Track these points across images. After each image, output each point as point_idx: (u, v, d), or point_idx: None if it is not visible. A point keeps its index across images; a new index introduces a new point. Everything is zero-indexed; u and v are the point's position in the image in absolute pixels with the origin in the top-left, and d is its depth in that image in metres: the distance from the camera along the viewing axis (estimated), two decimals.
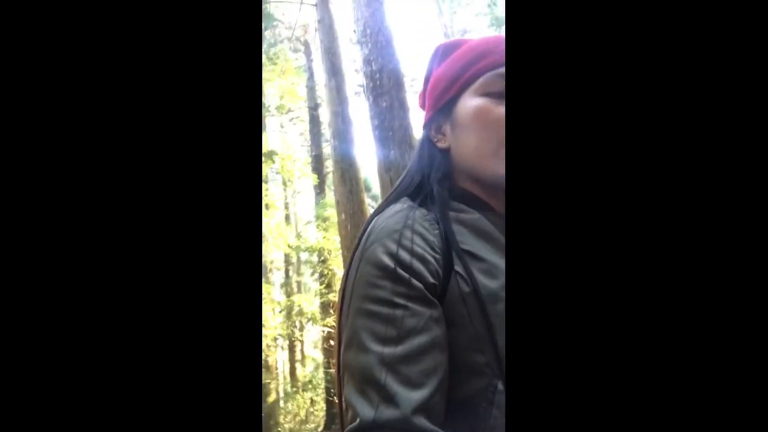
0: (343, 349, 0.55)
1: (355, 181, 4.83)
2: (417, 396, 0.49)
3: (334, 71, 5.28)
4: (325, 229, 6.64)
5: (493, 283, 0.56)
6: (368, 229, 0.60)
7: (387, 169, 3.44)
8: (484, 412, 0.53)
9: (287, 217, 9.09)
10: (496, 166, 0.61)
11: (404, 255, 0.55)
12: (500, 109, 0.62)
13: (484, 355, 0.54)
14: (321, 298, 6.74)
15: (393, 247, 0.55)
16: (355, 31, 3.98)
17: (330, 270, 6.35)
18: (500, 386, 0.53)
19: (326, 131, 5.47)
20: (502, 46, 0.64)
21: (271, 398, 7.21)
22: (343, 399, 0.55)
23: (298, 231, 8.74)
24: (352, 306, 0.55)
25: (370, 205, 4.69)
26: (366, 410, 0.49)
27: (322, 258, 6.52)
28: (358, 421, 0.49)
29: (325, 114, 5.41)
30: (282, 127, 10.07)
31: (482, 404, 0.54)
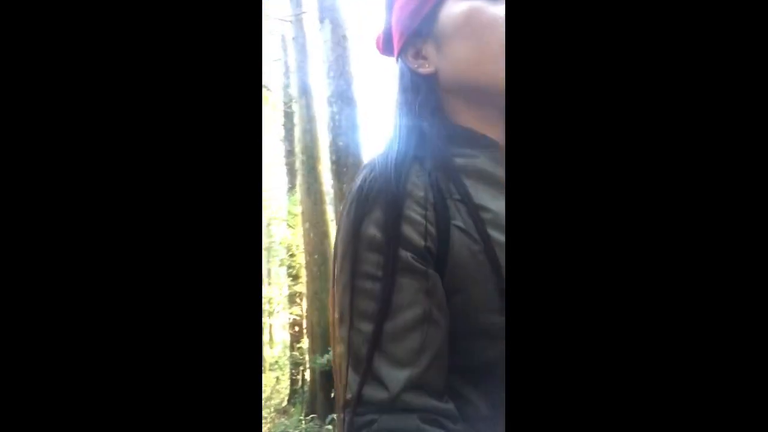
0: (336, 323, 0.56)
1: (319, 195, 5.42)
2: (405, 375, 0.49)
3: (305, 89, 5.75)
4: (293, 226, 7.15)
5: (502, 236, 0.52)
6: (354, 191, 0.56)
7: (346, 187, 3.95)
8: (502, 380, 0.51)
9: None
10: (501, 72, 0.54)
11: (389, 221, 0.52)
12: (494, 9, 0.56)
13: (500, 316, 0.51)
14: (289, 289, 7.42)
15: (377, 213, 0.53)
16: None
17: (298, 263, 6.94)
18: None
19: (299, 130, 5.93)
20: None
21: None
22: (342, 371, 0.57)
23: (269, 224, 9.31)
24: (341, 279, 0.54)
25: (332, 220, 5.27)
26: (358, 387, 0.51)
27: (290, 252, 7.12)
28: (350, 396, 0.51)
29: (299, 112, 5.85)
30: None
31: (500, 371, 0.50)
